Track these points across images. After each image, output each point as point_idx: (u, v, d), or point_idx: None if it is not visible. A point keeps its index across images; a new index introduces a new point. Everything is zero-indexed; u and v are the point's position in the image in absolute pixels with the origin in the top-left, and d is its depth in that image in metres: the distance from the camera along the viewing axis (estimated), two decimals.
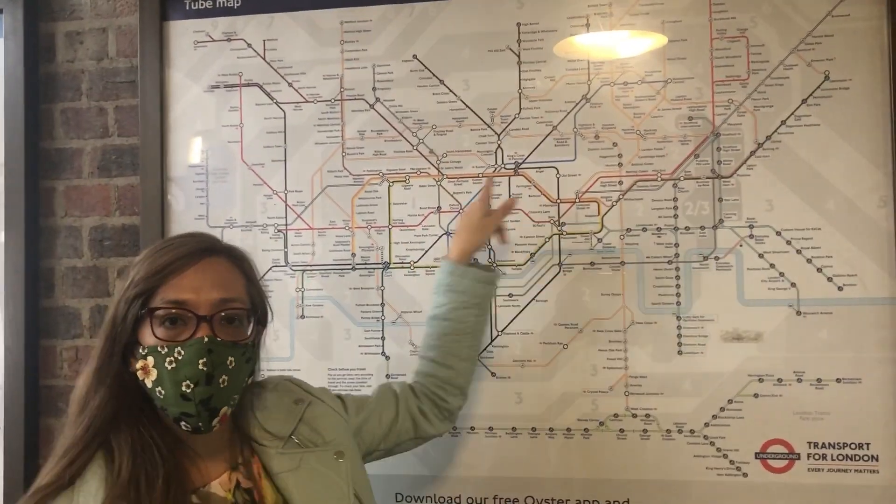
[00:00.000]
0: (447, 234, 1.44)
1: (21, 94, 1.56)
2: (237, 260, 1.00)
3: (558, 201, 1.41)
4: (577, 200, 1.40)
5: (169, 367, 0.90)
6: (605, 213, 1.39)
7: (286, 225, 1.49)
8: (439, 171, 1.44)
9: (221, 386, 0.91)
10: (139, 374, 0.92)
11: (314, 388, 1.13)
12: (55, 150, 1.60)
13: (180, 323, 0.91)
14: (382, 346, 1.45)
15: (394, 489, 1.43)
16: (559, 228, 1.40)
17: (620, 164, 1.39)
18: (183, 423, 0.91)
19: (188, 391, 0.90)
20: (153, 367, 0.91)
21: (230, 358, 0.92)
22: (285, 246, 1.49)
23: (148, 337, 0.91)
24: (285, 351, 1.48)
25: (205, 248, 0.96)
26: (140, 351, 0.92)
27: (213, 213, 1.51)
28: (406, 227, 1.45)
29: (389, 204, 1.46)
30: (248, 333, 0.97)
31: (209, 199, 1.52)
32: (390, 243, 1.46)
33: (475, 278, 1.23)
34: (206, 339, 0.90)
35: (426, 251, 1.44)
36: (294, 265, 1.48)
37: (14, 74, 1.56)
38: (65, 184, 1.59)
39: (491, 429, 1.41)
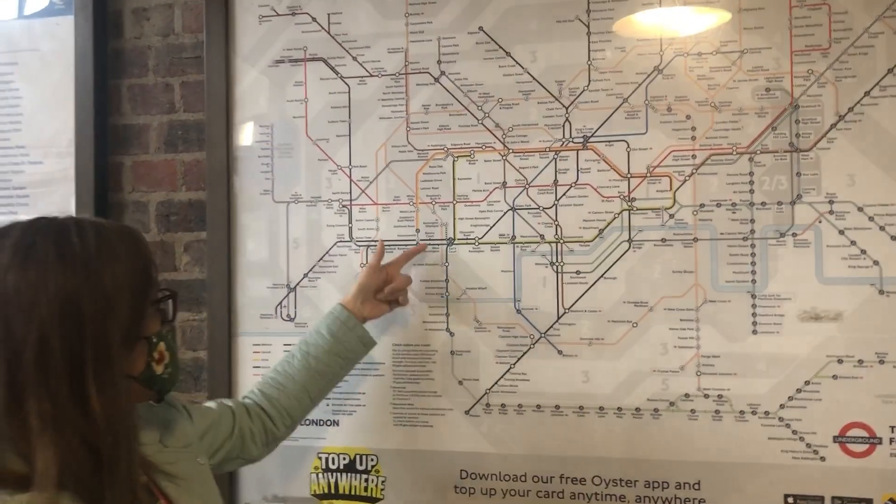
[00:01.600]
0: (513, 209, 1.41)
1: (90, 70, 1.58)
2: None
3: (628, 176, 1.37)
4: (649, 175, 1.36)
5: (172, 344, 0.95)
6: (678, 188, 1.35)
7: (351, 200, 1.48)
8: (505, 145, 1.42)
9: None
10: (153, 366, 0.92)
11: None
12: (122, 126, 1.62)
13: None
14: (447, 322, 1.44)
15: (458, 465, 1.42)
16: (629, 204, 1.37)
17: (694, 138, 1.35)
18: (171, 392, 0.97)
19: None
20: (165, 350, 0.93)
21: None
22: (350, 221, 1.48)
23: (153, 326, 0.92)
24: None
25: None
26: (154, 339, 0.92)
27: (278, 189, 1.51)
28: (471, 202, 1.43)
29: (454, 179, 1.44)
30: None
31: (274, 175, 1.52)
32: (455, 219, 1.44)
33: (360, 338, 1.31)
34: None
35: (491, 227, 1.42)
36: (359, 241, 1.48)
37: (83, 51, 1.58)
38: (132, 159, 1.61)
39: (557, 407, 1.39)
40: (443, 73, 1.44)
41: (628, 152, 1.37)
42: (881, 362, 1.27)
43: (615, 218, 1.37)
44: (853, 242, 1.29)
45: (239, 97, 1.53)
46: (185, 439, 1.05)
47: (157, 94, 1.60)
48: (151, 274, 0.90)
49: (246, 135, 1.53)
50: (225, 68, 1.52)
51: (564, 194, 1.39)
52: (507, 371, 1.41)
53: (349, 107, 1.48)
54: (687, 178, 1.35)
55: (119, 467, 0.81)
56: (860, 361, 1.28)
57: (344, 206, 1.48)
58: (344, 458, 1.47)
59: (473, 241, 1.43)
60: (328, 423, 1.48)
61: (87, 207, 1.57)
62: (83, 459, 0.79)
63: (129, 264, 0.87)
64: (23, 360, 0.78)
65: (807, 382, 1.30)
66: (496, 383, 1.41)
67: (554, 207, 1.39)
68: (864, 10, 1.29)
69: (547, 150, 1.40)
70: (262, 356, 1.51)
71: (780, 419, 1.31)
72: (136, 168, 1.61)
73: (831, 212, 1.30)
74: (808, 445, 1.30)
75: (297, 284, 1.50)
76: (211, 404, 1.23)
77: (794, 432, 1.30)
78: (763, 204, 1.32)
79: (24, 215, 1.58)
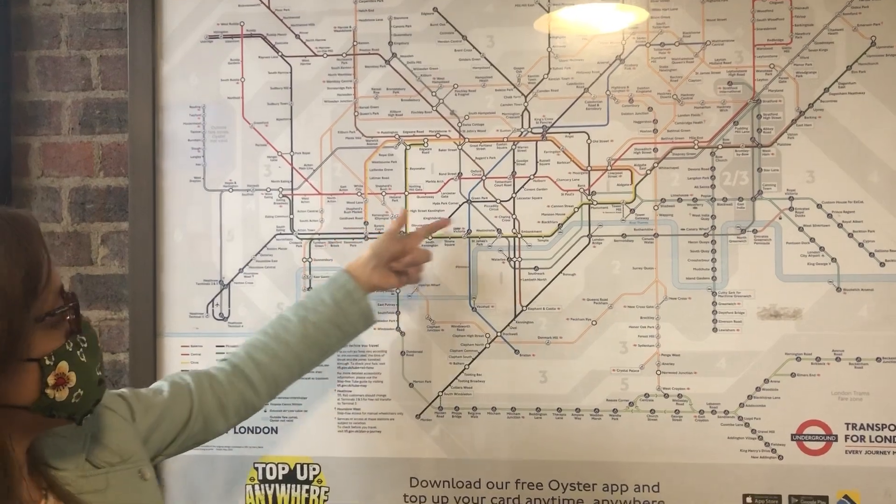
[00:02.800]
0: (468, 201, 1.34)
1: None
2: None
3: (589, 169, 1.32)
4: (609, 168, 1.32)
5: (83, 360, 0.77)
6: (639, 182, 1.31)
7: (292, 189, 1.37)
8: (461, 134, 1.34)
9: None
10: (50, 392, 0.74)
11: None
12: (30, 104, 1.45)
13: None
14: (397, 320, 1.35)
15: (408, 473, 1.34)
16: (589, 198, 1.32)
17: (655, 131, 1.31)
18: (88, 417, 0.81)
19: (100, 374, 0.81)
20: (69, 370, 0.76)
21: None
22: (291, 212, 1.37)
23: (48, 343, 0.75)
24: None
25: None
26: (46, 361, 0.74)
27: (210, 176, 1.38)
28: (424, 194, 1.35)
29: (406, 169, 1.35)
30: None
31: (206, 160, 1.39)
32: (407, 211, 1.35)
33: (363, 312, 1.17)
34: (86, 317, 0.81)
35: None
36: (301, 233, 1.37)
37: None
38: (41, 140, 1.45)
39: (514, 409, 1.33)
40: (394, 54, 1.35)
41: (589, 144, 1.32)
42: (837, 360, 1.27)
43: (575, 212, 1.32)
44: (812, 239, 1.28)
45: (166, 75, 1.39)
46: (123, 450, 0.89)
47: (71, 69, 1.44)
48: (38, 279, 0.73)
49: (174, 116, 1.39)
50: (151, 42, 1.38)
51: (523, 187, 1.33)
52: (462, 372, 1.34)
53: (291, 88, 1.37)
54: (648, 171, 1.31)
55: None
56: (818, 359, 1.28)
57: (284, 195, 1.37)
58: (283, 468, 1.37)
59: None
60: (266, 430, 1.37)
61: None
62: None
63: (5, 271, 0.70)
64: None
65: (766, 381, 1.28)
66: (449, 385, 1.34)
67: (512, 200, 1.33)
68: (824, 6, 1.28)
69: (505, 140, 1.33)
70: (192, 358, 1.39)
71: (740, 418, 1.29)
72: (45, 150, 1.44)
73: (791, 208, 1.29)
74: (767, 444, 1.28)
75: (232, 280, 1.38)
76: (162, 385, 1.04)
77: (753, 431, 1.29)
78: (724, 199, 1.30)
79: None
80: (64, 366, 0.75)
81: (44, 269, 0.74)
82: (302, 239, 1.37)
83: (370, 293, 1.19)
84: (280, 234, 1.37)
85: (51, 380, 0.74)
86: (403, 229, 1.32)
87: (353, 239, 1.36)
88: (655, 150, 1.31)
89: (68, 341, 0.76)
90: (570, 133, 1.32)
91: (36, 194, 1.44)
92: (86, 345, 0.78)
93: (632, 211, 1.31)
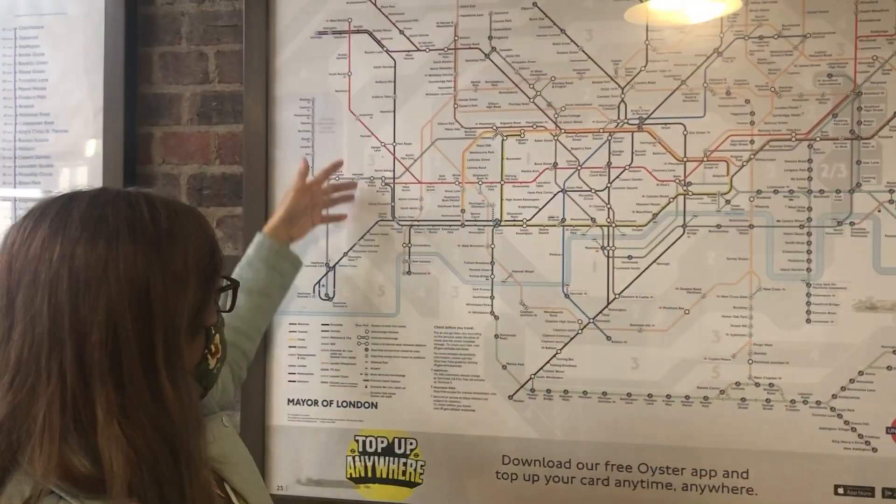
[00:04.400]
0: (563, 191, 1.38)
1: (120, 36, 1.52)
2: None
3: (685, 160, 1.34)
4: (705, 159, 1.34)
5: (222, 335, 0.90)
6: (735, 174, 1.33)
7: (394, 178, 1.44)
8: (557, 125, 1.38)
9: None
10: (209, 359, 0.86)
11: None
12: (153, 95, 1.56)
13: None
14: (491, 305, 1.41)
15: (500, 451, 1.40)
16: (685, 188, 1.34)
17: (752, 123, 1.32)
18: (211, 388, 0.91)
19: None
20: (220, 343, 0.88)
21: None
22: (392, 200, 1.44)
23: (213, 316, 0.85)
24: (391, 307, 1.44)
25: None
26: (212, 331, 0.85)
27: (318, 165, 1.46)
28: (519, 183, 1.40)
29: (502, 159, 1.40)
30: None
31: (314, 150, 1.47)
32: (502, 200, 1.40)
33: (293, 263, 1.34)
34: None
35: (540, 209, 1.39)
36: (401, 220, 1.44)
37: (114, 15, 1.52)
38: (163, 130, 1.56)
39: (605, 394, 1.37)
40: (494, 48, 1.40)
41: (685, 135, 1.34)
42: None
43: (670, 202, 1.35)
44: None
45: (279, 68, 1.48)
46: (211, 407, 0.98)
47: (191, 63, 1.54)
48: (218, 259, 0.83)
49: (285, 108, 1.48)
50: (265, 38, 1.47)
51: (618, 177, 1.36)
52: (554, 356, 1.38)
53: (394, 82, 1.44)
54: (744, 163, 1.32)
55: (195, 462, 0.76)
56: None
57: (387, 184, 1.44)
58: (382, 442, 1.44)
59: (521, 223, 1.39)
60: (366, 405, 1.45)
61: (115, 179, 1.52)
62: (158, 452, 0.72)
63: (199, 247, 0.80)
64: (89, 343, 0.70)
65: (860, 373, 1.29)
66: (541, 368, 1.39)
67: (606, 190, 1.37)
68: None
69: (601, 131, 1.37)
70: (299, 336, 1.48)
71: (832, 409, 1.30)
72: (166, 140, 1.55)
73: (891, 201, 1.28)
74: (860, 436, 1.29)
75: (337, 263, 1.46)
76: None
77: (846, 423, 1.29)
78: (821, 192, 1.30)
79: (48, 187, 1.54)
80: (218, 338, 0.85)
81: (219, 251, 0.84)
82: (402, 225, 1.44)
83: (297, 238, 1.37)
84: (382, 220, 1.45)
85: (213, 347, 0.84)
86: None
87: (451, 226, 1.41)
88: (752, 141, 1.32)
89: (220, 316, 0.86)
90: (666, 124, 1.35)
91: (157, 180, 1.55)
92: (223, 325, 0.88)
93: (727, 202, 1.33)
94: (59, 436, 0.69)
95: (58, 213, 0.74)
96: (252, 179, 1.47)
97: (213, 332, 0.85)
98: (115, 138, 1.52)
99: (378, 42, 1.44)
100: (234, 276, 1.24)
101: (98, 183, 1.51)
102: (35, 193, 1.56)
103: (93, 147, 1.54)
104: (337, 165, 1.43)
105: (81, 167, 1.55)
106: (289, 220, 1.33)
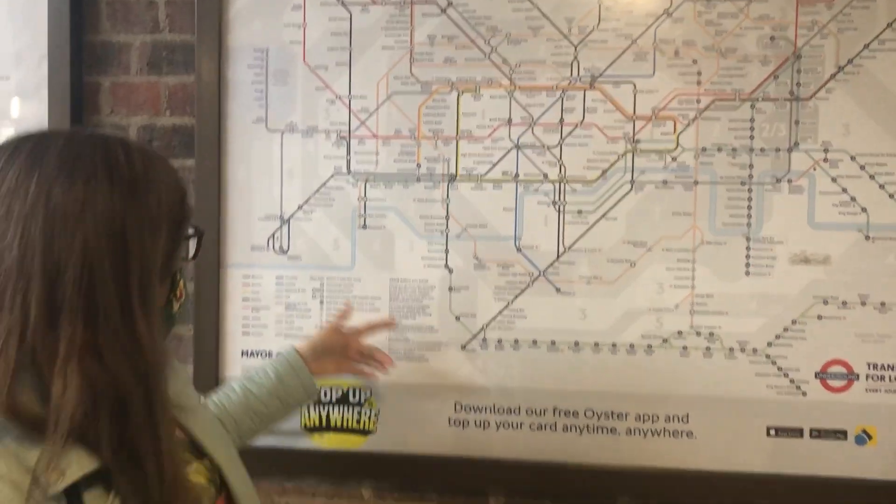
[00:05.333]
0: (517, 147, 1.41)
1: None
2: None
3: (634, 118, 1.39)
4: (654, 118, 1.38)
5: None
6: (682, 132, 1.38)
7: (349, 132, 1.45)
8: (512, 81, 1.41)
9: None
10: (173, 303, 0.87)
11: None
12: (101, 44, 1.52)
13: None
14: (446, 258, 1.44)
15: (453, 398, 1.44)
16: (633, 145, 1.39)
17: (699, 82, 1.37)
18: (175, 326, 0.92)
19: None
20: (184, 287, 0.89)
21: None
22: (348, 153, 1.45)
23: (178, 262, 0.85)
24: (346, 260, 1.46)
25: None
26: (177, 276, 0.87)
27: (272, 117, 1.46)
28: (474, 138, 1.42)
29: (458, 114, 1.42)
30: None
31: (268, 102, 1.46)
32: (457, 155, 1.43)
33: (304, 385, 1.25)
34: None
35: (494, 164, 1.42)
36: (357, 173, 1.45)
37: None
38: (111, 80, 1.52)
39: (553, 343, 1.42)
40: (450, 3, 1.41)
41: (635, 94, 1.38)
42: (863, 304, 1.35)
43: (619, 159, 1.39)
44: (844, 190, 1.35)
45: (231, 18, 1.46)
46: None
47: (140, 12, 1.51)
48: (187, 206, 0.84)
49: (238, 59, 1.46)
50: None
51: (570, 134, 1.40)
52: (505, 307, 1.43)
53: (350, 34, 1.44)
54: (691, 122, 1.37)
55: (166, 402, 0.77)
56: (844, 303, 1.35)
57: (342, 137, 1.45)
58: (337, 391, 1.47)
59: (476, 178, 1.42)
60: None
61: (61, 128, 1.48)
62: (132, 392, 0.72)
63: (171, 193, 0.80)
64: (62, 280, 0.70)
65: (793, 322, 1.36)
66: (493, 319, 1.43)
67: (559, 147, 1.40)
68: None
69: (554, 88, 1.40)
70: (252, 289, 1.48)
71: (767, 356, 1.37)
72: (115, 89, 1.52)
73: (826, 160, 1.35)
74: (792, 381, 1.37)
75: (291, 216, 1.47)
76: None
77: (780, 369, 1.37)
78: (762, 150, 1.36)
79: None
80: (182, 283, 0.87)
81: (187, 198, 0.85)
82: (358, 179, 1.45)
83: (318, 375, 1.28)
84: (337, 173, 1.45)
85: (178, 292, 0.85)
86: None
87: (406, 181, 1.43)
88: (698, 101, 1.37)
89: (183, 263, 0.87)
90: (617, 83, 1.38)
91: (106, 131, 1.52)
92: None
93: (674, 159, 1.38)
94: (12, 370, 0.69)
95: (32, 150, 0.73)
96: (204, 132, 1.46)
97: (179, 277, 0.87)
98: (61, 86, 1.49)
99: None
100: (249, 373, 1.26)
101: None
102: None
103: (37, 95, 1.50)
104: (386, 325, 1.42)
105: (26, 115, 1.51)
106: (314, 353, 1.28)
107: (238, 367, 1.48)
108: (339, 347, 1.33)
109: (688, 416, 1.39)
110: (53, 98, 1.49)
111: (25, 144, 0.74)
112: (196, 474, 0.87)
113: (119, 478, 0.70)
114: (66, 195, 0.72)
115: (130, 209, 0.75)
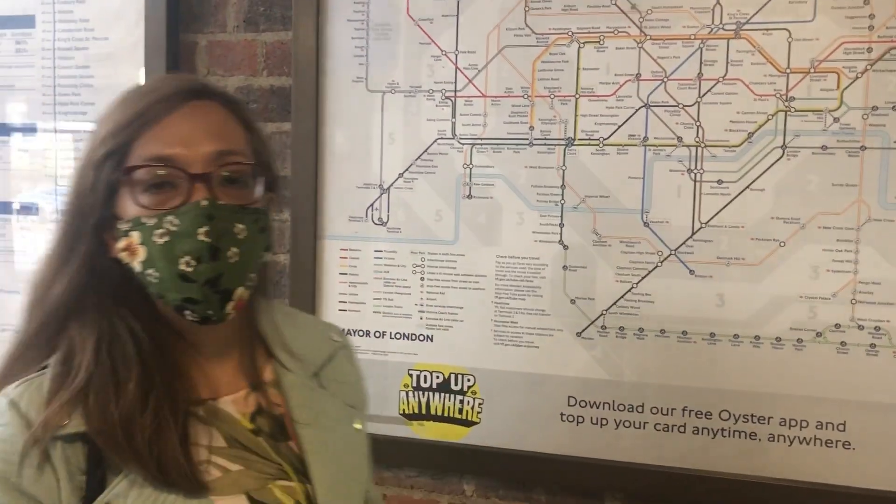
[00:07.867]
0: (646, 106, 1.23)
1: None
2: (234, 105, 0.80)
3: (788, 71, 1.18)
4: (812, 70, 1.17)
5: (160, 242, 0.72)
6: (846, 87, 1.16)
7: (455, 91, 1.31)
8: (641, 30, 1.23)
9: (231, 261, 0.73)
10: (123, 256, 0.74)
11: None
12: (197, 1, 1.44)
13: (168, 186, 0.73)
14: (560, 233, 1.28)
15: (566, 392, 1.29)
16: (787, 104, 1.18)
17: (871, 27, 1.15)
18: (188, 313, 0.74)
19: (189, 270, 0.72)
20: (140, 244, 0.73)
21: (238, 225, 0.74)
22: (453, 115, 1.31)
23: (129, 207, 0.73)
24: (449, 233, 1.32)
25: (192, 90, 0.77)
26: (120, 227, 0.74)
27: (372, 75, 1.34)
28: (597, 97, 1.25)
29: (578, 69, 1.26)
30: (257, 196, 0.77)
31: (369, 60, 1.34)
32: (576, 116, 1.26)
33: None
34: (204, 203, 0.72)
35: (619, 126, 1.25)
36: (462, 138, 1.31)
37: None
38: (207, 38, 1.44)
39: (685, 333, 1.24)
40: None
41: (789, 43, 1.18)
42: None
43: (768, 120, 1.19)
44: None
45: None
46: (347, 394, 0.95)
47: None
48: (137, 133, 0.73)
49: (338, 12, 1.35)
50: None
51: (710, 90, 1.21)
52: (629, 291, 1.26)
53: None
54: (859, 75, 1.16)
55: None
56: None
57: (447, 97, 1.31)
58: (437, 377, 1.35)
59: (597, 142, 1.25)
60: (421, 337, 1.35)
61: None
62: None
63: (116, 118, 0.75)
64: None
65: None
66: (615, 304, 1.26)
67: (696, 105, 1.22)
68: None
69: (692, 37, 1.21)
70: (350, 262, 1.37)
71: None
72: (211, 48, 1.44)
73: None
74: None
75: (391, 185, 1.35)
76: None
77: None
78: None
79: (88, 97, 1.45)
80: (136, 236, 0.73)
81: (143, 130, 0.73)
82: (464, 144, 1.31)
83: None
84: (441, 138, 1.32)
85: (121, 244, 0.74)
86: None
87: (517, 145, 1.28)
88: (870, 50, 1.15)
89: (150, 215, 0.73)
90: (767, 30, 1.18)
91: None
92: (175, 229, 0.72)
93: (836, 120, 1.17)
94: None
95: None
96: (302, 92, 1.36)
97: (123, 227, 0.80)
98: (157, 45, 1.42)
99: None
100: None
101: None
102: (74, 100, 1.47)
103: (134, 55, 1.44)
104: None
105: (122, 76, 1.45)
106: None
107: None
108: None
109: (844, 423, 1.19)
110: (150, 57, 1.43)
111: None
112: (283, 492, 0.78)
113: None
114: None
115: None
